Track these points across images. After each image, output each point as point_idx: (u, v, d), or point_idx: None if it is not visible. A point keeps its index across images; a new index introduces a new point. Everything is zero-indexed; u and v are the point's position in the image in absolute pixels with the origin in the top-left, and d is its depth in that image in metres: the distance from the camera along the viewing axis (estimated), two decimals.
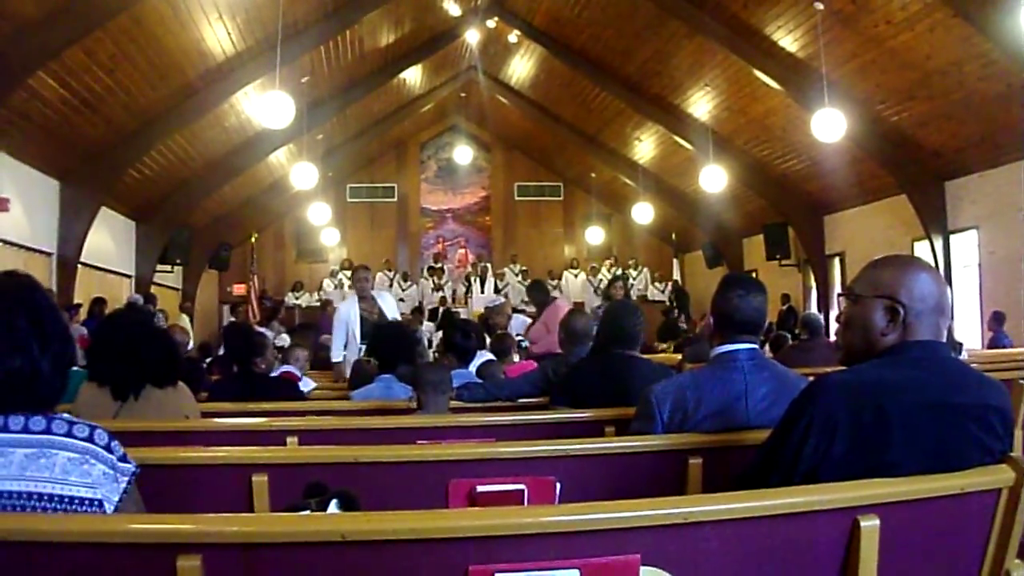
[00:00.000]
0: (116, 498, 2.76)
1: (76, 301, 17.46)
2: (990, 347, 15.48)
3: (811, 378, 3.63)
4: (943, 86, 15.76)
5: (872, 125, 17.79)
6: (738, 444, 4.36)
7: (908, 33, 14.93)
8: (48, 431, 2.69)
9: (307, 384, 9.45)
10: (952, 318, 3.38)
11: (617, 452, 4.41)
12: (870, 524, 2.76)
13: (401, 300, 27.11)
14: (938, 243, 18.36)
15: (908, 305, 3.15)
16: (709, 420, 4.39)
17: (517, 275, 30.00)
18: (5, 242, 15.47)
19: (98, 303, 17.51)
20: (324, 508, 2.80)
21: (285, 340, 14.97)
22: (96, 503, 2.71)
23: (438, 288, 28.89)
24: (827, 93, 15.88)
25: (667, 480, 4.26)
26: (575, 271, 30.77)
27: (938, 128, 17.10)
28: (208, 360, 13.84)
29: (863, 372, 3.17)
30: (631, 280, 29.03)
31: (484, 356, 9.99)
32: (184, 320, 22.49)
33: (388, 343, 8.02)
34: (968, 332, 17.42)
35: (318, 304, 27.77)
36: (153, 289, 22.35)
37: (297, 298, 28.87)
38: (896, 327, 3.16)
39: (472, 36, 23.33)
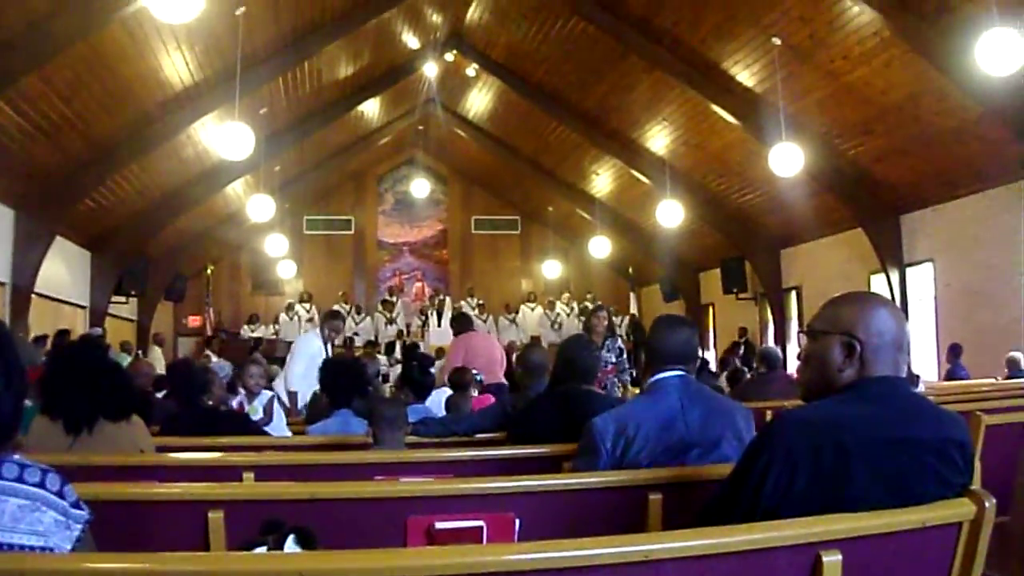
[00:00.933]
0: (68, 547, 2.68)
1: (32, 332, 17.33)
2: (947, 379, 15.60)
3: (742, 404, 3.65)
4: (899, 121, 15.90)
5: (829, 159, 17.91)
6: (698, 479, 4.36)
7: (864, 68, 15.05)
8: None
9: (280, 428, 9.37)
10: (909, 351, 3.39)
11: (576, 488, 4.40)
12: (832, 559, 2.77)
13: (355, 334, 27.08)
14: (894, 276, 18.50)
15: (865, 341, 3.17)
16: (652, 442, 4.55)
17: (474, 308, 30.00)
18: None
19: (62, 335, 17.36)
20: (281, 545, 2.76)
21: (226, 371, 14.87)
22: (47, 551, 2.64)
23: (390, 322, 28.89)
24: (784, 127, 15.96)
25: (627, 516, 4.24)
26: (532, 305, 30.81)
27: (894, 162, 17.25)
28: (164, 392, 13.74)
29: (822, 408, 3.19)
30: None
31: (443, 391, 9.96)
32: (156, 352, 22.38)
33: (341, 378, 7.97)
34: (925, 364, 17.51)
35: (273, 336, 27.72)
36: (108, 320, 22.25)
37: (253, 330, 28.73)
38: (853, 363, 3.18)
39: (430, 69, 23.31)
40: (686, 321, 5.16)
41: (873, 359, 3.15)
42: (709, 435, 4.57)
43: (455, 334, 13.55)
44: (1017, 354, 14.18)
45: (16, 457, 2.70)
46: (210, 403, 7.69)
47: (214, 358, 19.92)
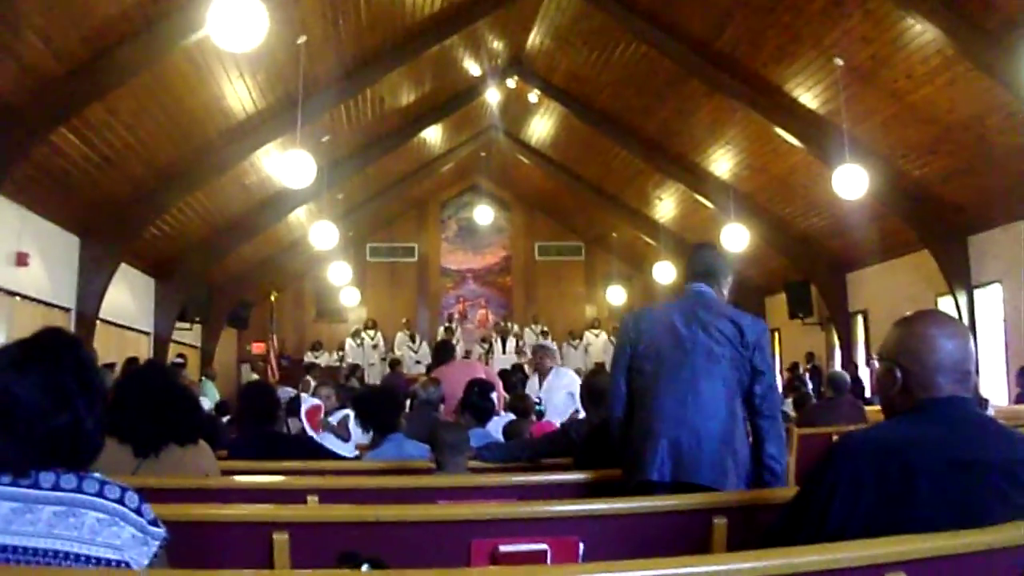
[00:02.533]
0: (145, 562, 2.72)
1: (100, 359, 17.46)
2: (1016, 403, 15.39)
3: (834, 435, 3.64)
4: (965, 140, 15.72)
5: (894, 180, 17.74)
6: (764, 503, 4.36)
7: (928, 87, 14.91)
8: (79, 490, 2.66)
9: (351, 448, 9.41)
10: (977, 374, 3.36)
11: (641, 512, 4.40)
12: None
13: (417, 362, 27.07)
14: (962, 298, 18.25)
15: (907, 367, 3.20)
16: (660, 333, 5.46)
17: (537, 336, 29.99)
18: (25, 297, 15.49)
19: (131, 362, 17.50)
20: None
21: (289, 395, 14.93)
22: (123, 565, 2.68)
23: None
24: (848, 149, 15.83)
25: (692, 540, 4.24)
26: (596, 331, 30.74)
27: (960, 182, 17.05)
28: (227, 418, 13.82)
29: (887, 429, 3.19)
30: None
31: (504, 416, 9.95)
32: (208, 386, 22.52)
33: (377, 406, 7.99)
34: (994, 387, 17.25)
35: (337, 364, 27.81)
36: (172, 347, 22.40)
37: (316, 357, 28.84)
38: (900, 387, 3.19)
39: (492, 95, 23.37)
40: (712, 245, 6.76)
41: (923, 382, 3.16)
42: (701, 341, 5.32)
43: (435, 362, 13.50)
44: None
45: (96, 475, 2.75)
46: (276, 427, 7.74)
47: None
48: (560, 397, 12.62)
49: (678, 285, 27.66)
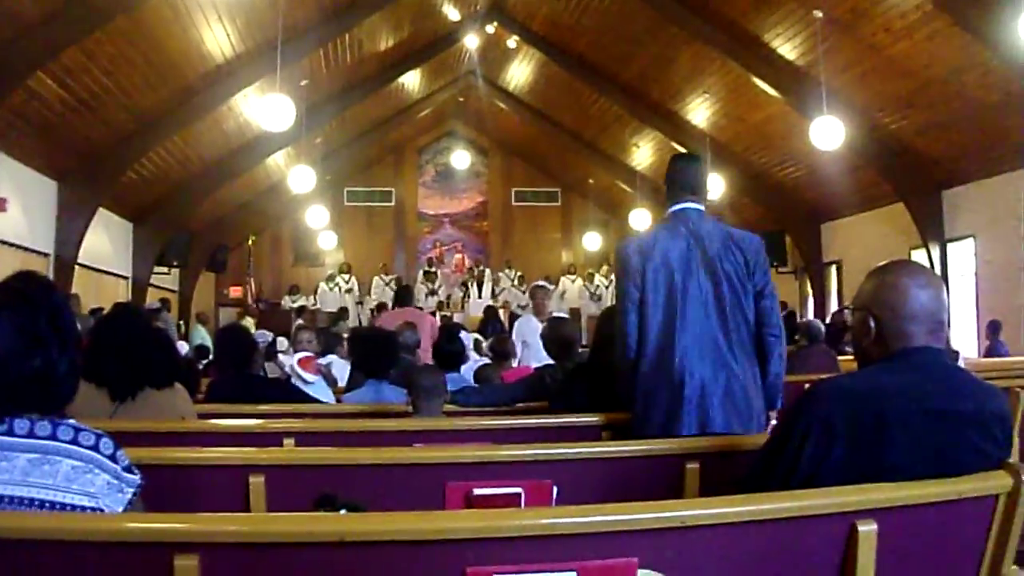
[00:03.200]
0: (120, 508, 2.73)
1: (84, 304, 17.46)
2: (986, 355, 15.49)
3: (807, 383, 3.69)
4: (942, 94, 15.75)
5: (870, 133, 17.77)
6: (736, 449, 4.39)
7: (907, 41, 14.92)
8: (53, 437, 2.67)
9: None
10: (949, 327, 3.38)
11: (614, 456, 4.43)
12: (868, 529, 2.77)
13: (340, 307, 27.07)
14: (935, 251, 18.33)
15: (879, 315, 3.21)
16: (661, 264, 5.17)
17: (512, 280, 30.01)
18: (3, 242, 15.46)
19: (121, 308, 17.44)
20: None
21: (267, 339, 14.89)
22: (98, 512, 2.68)
23: (432, 292, 28.91)
24: (826, 101, 15.84)
25: (664, 485, 4.27)
26: (572, 276, 30.73)
27: (936, 136, 17.10)
28: (205, 362, 13.83)
29: (861, 377, 3.20)
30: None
31: (479, 360, 9.98)
32: (200, 331, 22.51)
33: (372, 349, 8.00)
34: (964, 340, 17.36)
35: (314, 307, 27.80)
36: (150, 291, 22.39)
37: (294, 301, 28.79)
38: (874, 337, 3.22)
39: (471, 41, 23.30)
40: (696, 157, 6.28)
41: (896, 332, 3.17)
42: (726, 265, 5.11)
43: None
44: None
45: (71, 421, 2.75)
46: (253, 371, 7.75)
47: (253, 328, 20.04)
48: None
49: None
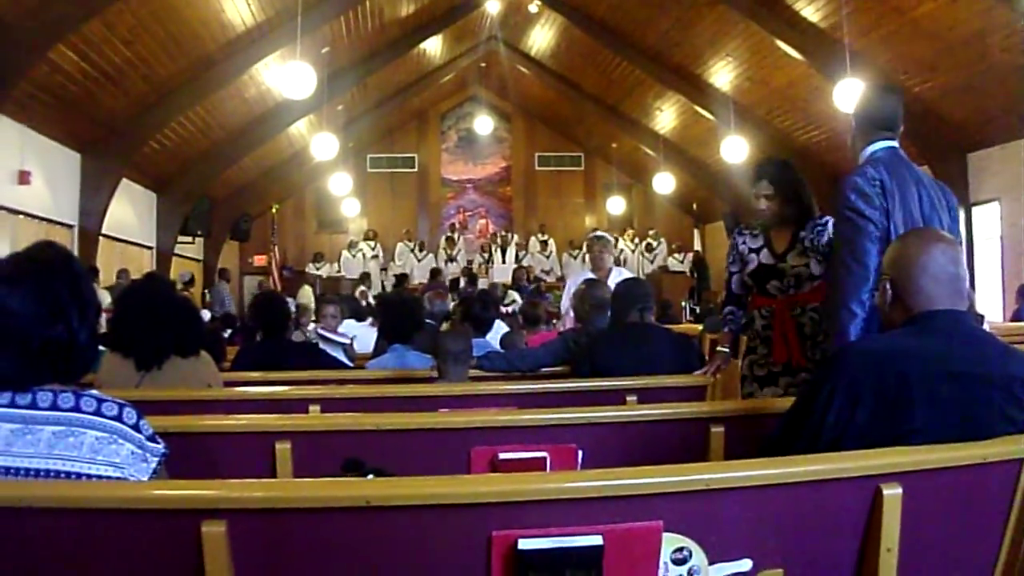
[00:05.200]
0: (145, 478, 2.75)
1: (106, 271, 17.57)
2: (1012, 320, 15.39)
3: None
4: (966, 57, 15.63)
5: None
6: (760, 412, 4.39)
7: (931, 3, 14.79)
8: (77, 408, 2.68)
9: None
10: (973, 290, 3.38)
11: (639, 420, 4.44)
12: (893, 492, 2.78)
13: (396, 274, 27.08)
14: (960, 215, 18.22)
15: (896, 279, 3.25)
16: (909, 210, 4.62)
17: (539, 246, 30.04)
18: (27, 215, 15.53)
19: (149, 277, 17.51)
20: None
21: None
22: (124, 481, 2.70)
23: (451, 259, 28.94)
24: (849, 63, 15.76)
25: (689, 449, 4.28)
26: None
27: (961, 99, 16.97)
28: (230, 330, 13.87)
29: (886, 340, 3.21)
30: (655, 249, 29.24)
31: (502, 327, 9.98)
32: (224, 287, 22.72)
33: (398, 314, 8.01)
34: (990, 305, 17.28)
35: (338, 274, 27.90)
36: (174, 260, 22.49)
37: (318, 268, 28.84)
38: (894, 301, 3.26)
39: (492, 6, 23.18)
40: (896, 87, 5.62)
41: (916, 295, 3.19)
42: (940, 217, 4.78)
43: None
44: None
45: (94, 392, 2.76)
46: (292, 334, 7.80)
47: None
48: None
49: (681, 194, 27.66)
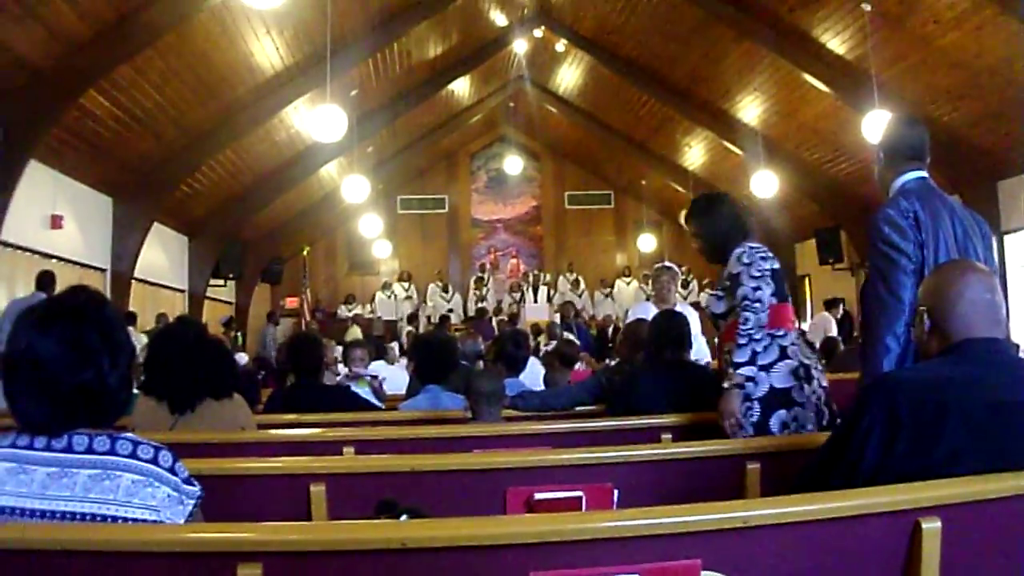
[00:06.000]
0: (181, 521, 2.74)
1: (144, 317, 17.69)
2: None
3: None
4: (993, 84, 15.60)
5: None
6: (796, 448, 4.37)
7: (956, 32, 14.80)
8: (112, 452, 2.69)
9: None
10: (1008, 320, 3.34)
11: (675, 458, 4.43)
12: (932, 526, 2.75)
13: (450, 311, 27.13)
14: (993, 243, 18.15)
15: (934, 307, 3.23)
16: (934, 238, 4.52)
17: (570, 284, 30.06)
18: (60, 259, 15.61)
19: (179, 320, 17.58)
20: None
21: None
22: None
23: (481, 299, 29.00)
24: (877, 94, 15.75)
25: (726, 486, 4.27)
26: (627, 279, 30.71)
27: (989, 127, 16.93)
28: (263, 373, 13.89)
29: (925, 370, 3.21)
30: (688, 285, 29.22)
31: (534, 364, 9.94)
32: (272, 332, 22.93)
33: (433, 354, 7.99)
34: (1022, 334, 17.18)
35: (371, 316, 27.98)
36: (206, 304, 22.59)
37: (350, 310, 28.93)
38: (928, 329, 3.26)
39: (520, 46, 23.31)
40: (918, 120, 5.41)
41: (954, 323, 3.17)
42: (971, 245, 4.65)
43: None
44: None
45: (129, 435, 2.77)
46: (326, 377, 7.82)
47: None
48: None
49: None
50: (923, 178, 4.85)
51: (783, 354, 5.28)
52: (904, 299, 4.39)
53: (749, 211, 6.02)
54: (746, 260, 5.37)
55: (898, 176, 4.89)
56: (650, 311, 8.71)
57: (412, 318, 25.35)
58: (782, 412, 5.16)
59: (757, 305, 5.22)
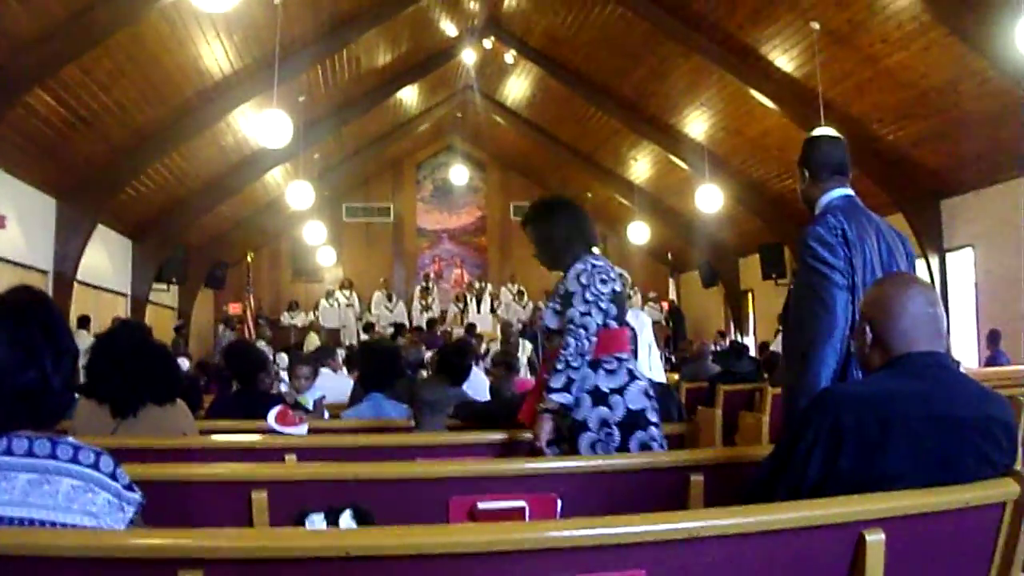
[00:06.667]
0: (121, 527, 2.71)
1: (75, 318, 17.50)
2: (987, 365, 15.46)
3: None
4: (939, 105, 15.75)
5: (868, 144, 17.74)
6: (740, 460, 4.39)
7: (904, 52, 14.93)
8: (53, 456, 2.65)
9: None
10: (948, 336, 3.40)
11: (619, 470, 4.43)
12: (876, 538, 2.76)
13: (393, 323, 27.12)
14: (934, 262, 18.32)
15: (876, 320, 3.26)
16: (871, 260, 4.51)
17: (514, 296, 30.07)
18: (2, 259, 15.44)
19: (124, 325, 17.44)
20: (337, 519, 2.79)
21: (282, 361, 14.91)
22: None
23: (427, 308, 28.99)
24: (823, 112, 15.91)
25: (669, 497, 4.27)
26: None
27: (934, 147, 17.09)
28: (204, 379, 13.81)
29: (868, 384, 3.24)
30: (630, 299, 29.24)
31: (478, 375, 9.94)
32: (229, 335, 22.80)
33: (377, 362, 7.98)
34: (965, 351, 17.36)
35: (313, 322, 27.95)
36: (149, 308, 22.40)
37: (292, 317, 28.84)
38: (871, 342, 3.29)
39: (468, 56, 23.29)
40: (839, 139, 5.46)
41: (897, 337, 3.21)
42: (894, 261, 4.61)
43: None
44: None
45: (70, 439, 2.73)
46: (267, 383, 7.77)
47: (263, 344, 20.21)
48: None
49: (656, 244, 27.71)
50: (850, 196, 4.87)
51: (632, 376, 5.17)
52: (838, 313, 4.39)
53: (592, 220, 5.83)
54: (584, 281, 5.22)
55: (824, 193, 4.94)
56: (639, 317, 8.85)
57: (368, 328, 25.26)
58: (640, 433, 5.04)
59: (581, 331, 5.07)
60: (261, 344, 21.19)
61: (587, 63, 22.10)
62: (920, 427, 2.96)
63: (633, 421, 5.05)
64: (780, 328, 22.46)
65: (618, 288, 5.29)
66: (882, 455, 2.93)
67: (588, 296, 5.13)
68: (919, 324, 3.18)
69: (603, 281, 5.20)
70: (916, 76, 15.37)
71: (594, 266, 5.25)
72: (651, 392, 5.23)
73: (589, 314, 5.09)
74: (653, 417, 5.13)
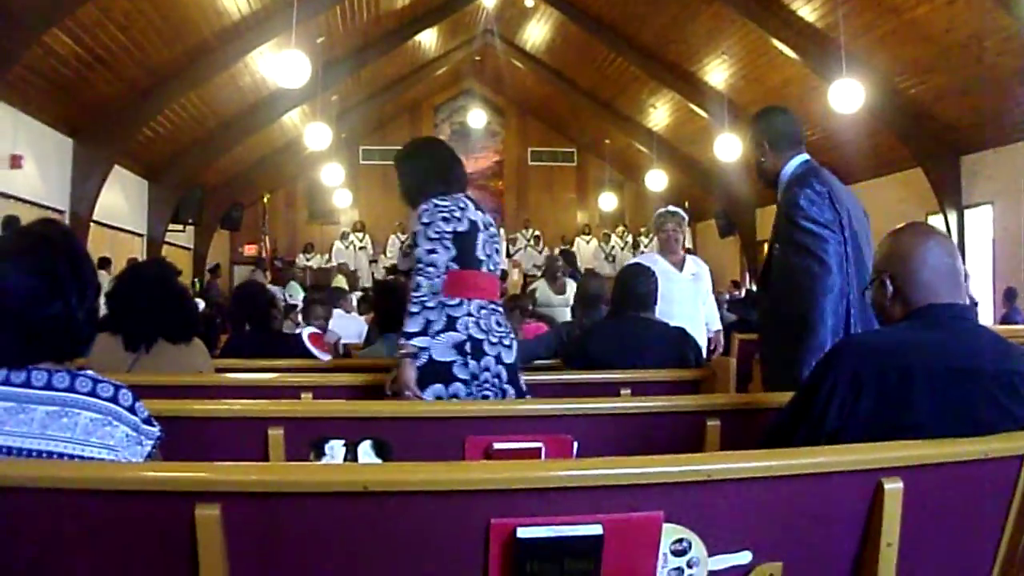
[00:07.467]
0: (139, 461, 2.74)
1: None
2: (1002, 323, 15.42)
3: None
4: (962, 60, 15.63)
5: (889, 97, 17.64)
6: (757, 407, 4.37)
7: (927, 5, 14.80)
8: (71, 389, 2.66)
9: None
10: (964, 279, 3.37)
11: (635, 412, 4.41)
12: (894, 486, 2.75)
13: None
14: (952, 218, 18.24)
15: (895, 273, 3.23)
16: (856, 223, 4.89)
17: (529, 240, 30.05)
18: (19, 199, 15.45)
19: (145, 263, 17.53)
20: (355, 449, 2.79)
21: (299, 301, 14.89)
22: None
23: None
24: (845, 63, 15.76)
25: (685, 442, 4.25)
26: (587, 237, 30.77)
27: (956, 102, 16.98)
28: (220, 319, 13.84)
29: (889, 333, 3.21)
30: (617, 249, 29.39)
31: None
32: (295, 287, 22.75)
33: (393, 302, 7.96)
34: (981, 308, 17.20)
35: (327, 265, 27.96)
36: (165, 248, 22.40)
37: (308, 260, 28.88)
38: (894, 298, 3.25)
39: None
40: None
41: (916, 288, 3.19)
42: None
43: None
44: None
45: (89, 372, 2.74)
46: (277, 324, 7.78)
47: (296, 285, 20.30)
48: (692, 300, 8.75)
49: (674, 192, 27.59)
50: (809, 160, 5.19)
51: (450, 325, 4.93)
52: (835, 269, 4.56)
53: (458, 160, 5.67)
54: (425, 220, 5.02)
55: (787, 162, 5.22)
56: (656, 262, 8.04)
57: (392, 270, 25.27)
58: (438, 386, 4.85)
59: (431, 270, 4.89)
60: (294, 285, 21.31)
61: (608, 9, 21.96)
62: (941, 378, 2.94)
63: (434, 371, 4.87)
64: (756, 289, 22.23)
65: (462, 229, 5.04)
66: (902, 405, 2.92)
67: (431, 234, 4.94)
68: (940, 276, 3.16)
69: (445, 219, 4.99)
70: (939, 30, 15.23)
71: (436, 205, 5.06)
72: (473, 347, 4.97)
73: (435, 251, 4.91)
74: (462, 374, 4.90)
